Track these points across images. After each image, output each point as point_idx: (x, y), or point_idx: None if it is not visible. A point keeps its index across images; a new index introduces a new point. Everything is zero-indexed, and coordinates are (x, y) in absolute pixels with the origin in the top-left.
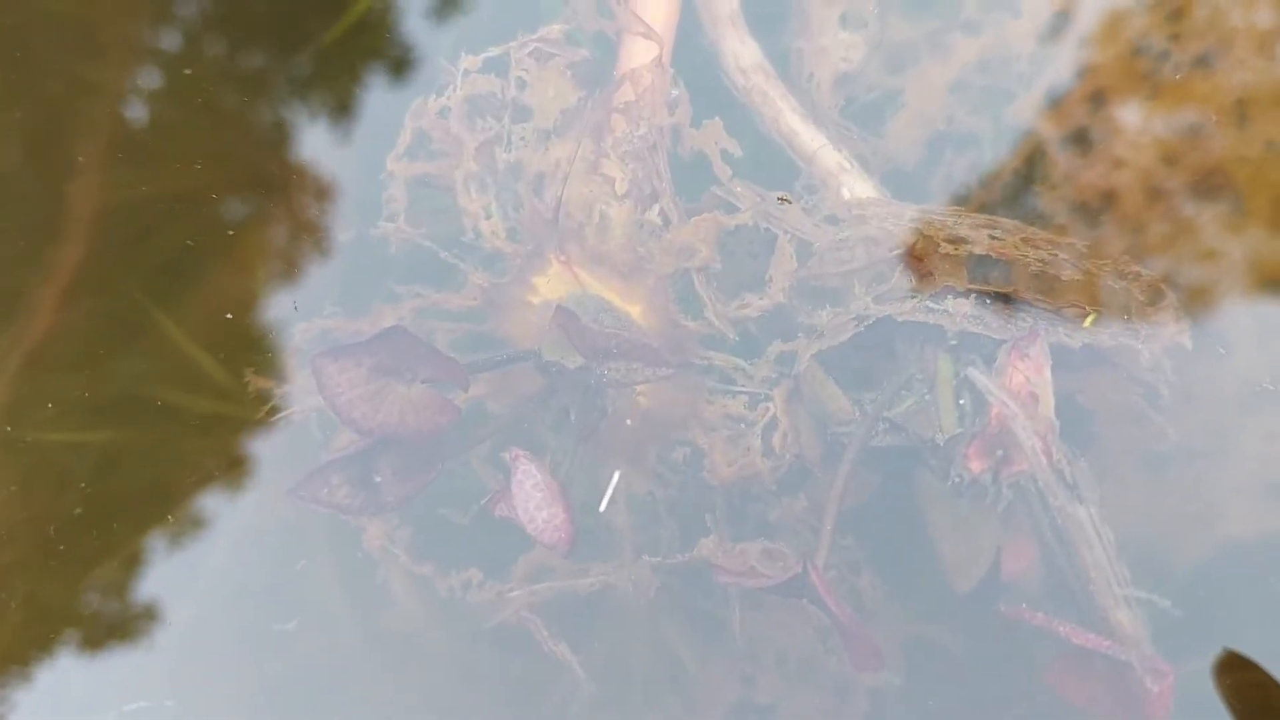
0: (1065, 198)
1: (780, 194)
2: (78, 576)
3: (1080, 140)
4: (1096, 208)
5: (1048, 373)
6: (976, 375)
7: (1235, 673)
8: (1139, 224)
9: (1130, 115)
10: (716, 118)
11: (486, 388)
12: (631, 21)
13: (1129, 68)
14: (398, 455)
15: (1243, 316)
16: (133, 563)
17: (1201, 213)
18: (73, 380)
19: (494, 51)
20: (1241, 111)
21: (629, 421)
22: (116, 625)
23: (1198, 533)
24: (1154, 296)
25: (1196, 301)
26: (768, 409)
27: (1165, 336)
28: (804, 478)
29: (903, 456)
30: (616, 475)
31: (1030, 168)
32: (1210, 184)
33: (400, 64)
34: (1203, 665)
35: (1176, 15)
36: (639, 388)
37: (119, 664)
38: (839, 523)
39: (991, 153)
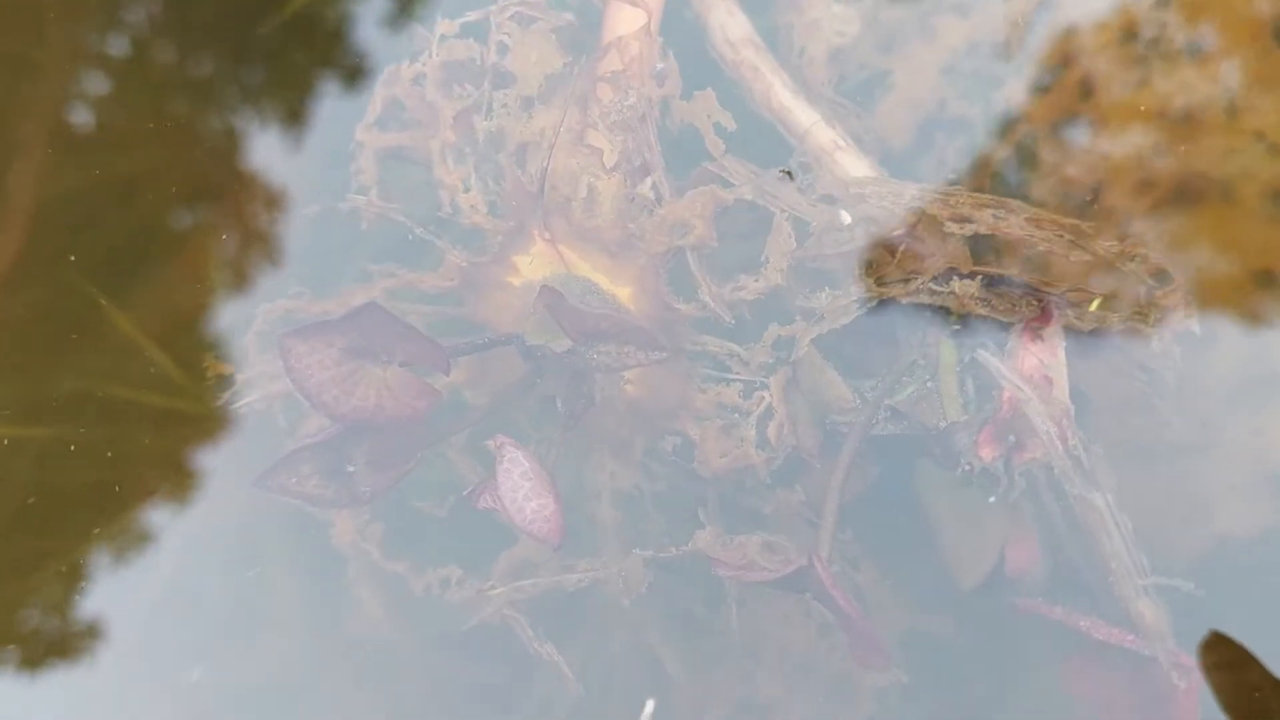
0: (1056, 184)
1: (782, 167)
2: (15, 583)
3: (1070, 127)
4: (1088, 195)
5: (1062, 354)
6: (987, 358)
7: (1232, 672)
8: (1129, 213)
9: (1118, 103)
10: (709, 89)
11: (464, 375)
12: None
13: (1119, 54)
14: (372, 443)
15: (1231, 308)
16: (75, 572)
17: (1189, 203)
18: (12, 375)
19: (473, 16)
20: (1230, 101)
21: (619, 409)
22: (55, 644)
23: (1192, 528)
24: (1162, 280)
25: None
26: (763, 398)
27: (1174, 322)
28: (799, 470)
29: (904, 446)
30: (651, 705)
31: (1021, 154)
32: (1198, 174)
33: (371, 28)
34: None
35: (1165, 2)
36: (626, 376)
37: (57, 686)
38: (839, 515)
39: (983, 138)
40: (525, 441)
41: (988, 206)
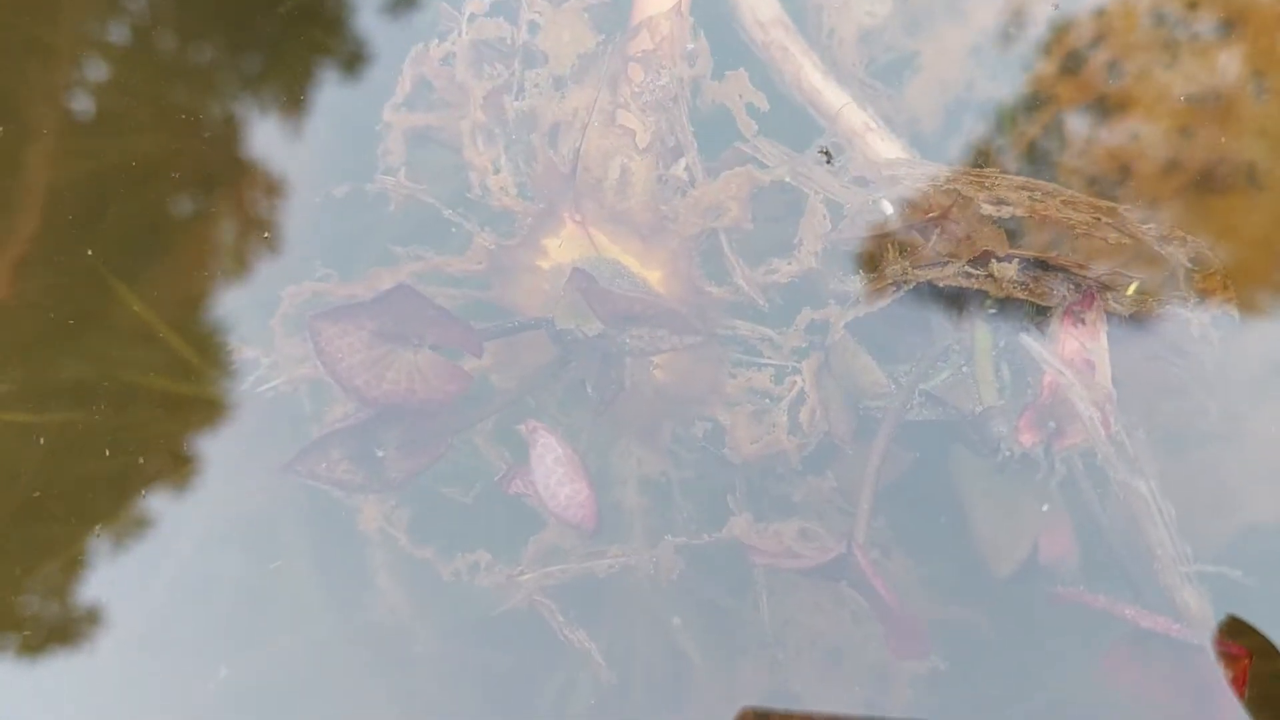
0: (1085, 167)
1: (820, 146)
2: (26, 569)
3: (1099, 108)
4: (1117, 178)
5: (1104, 338)
6: (1029, 342)
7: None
8: (1157, 196)
9: (1147, 84)
10: (741, 69)
11: (492, 359)
12: None
13: (1148, 36)
14: (403, 428)
15: (1260, 293)
16: (79, 561)
17: (1218, 186)
18: (26, 358)
19: None
20: (1260, 81)
21: (647, 394)
22: (58, 631)
23: (1222, 516)
24: (1201, 263)
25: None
26: (795, 382)
27: (1213, 306)
28: (831, 456)
29: (939, 432)
30: None
31: (1049, 136)
32: (1227, 156)
33: (399, 6)
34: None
35: None
36: (655, 361)
37: (55, 674)
38: (872, 502)
39: (1010, 119)
40: (554, 427)
41: (1024, 189)
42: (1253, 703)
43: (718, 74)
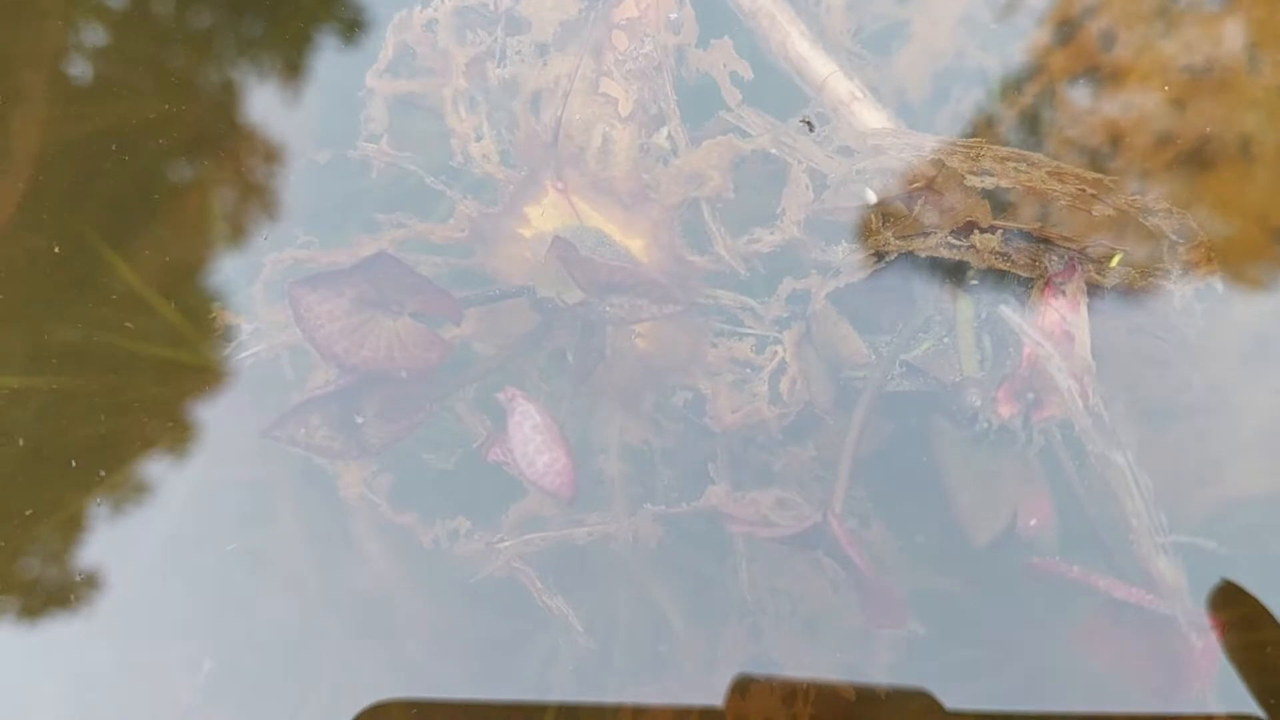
0: (1075, 137)
1: (802, 116)
2: (14, 535)
3: (1091, 78)
4: (1106, 149)
5: (1084, 310)
6: (1008, 313)
7: (1243, 629)
8: (1148, 168)
9: (1141, 54)
10: (726, 37)
11: (474, 327)
12: None
13: (1143, 5)
14: (382, 395)
15: (1248, 266)
16: (74, 524)
17: (1208, 158)
18: (13, 324)
19: None
20: (1252, 55)
21: (629, 363)
22: (54, 593)
23: (1206, 487)
24: (1186, 235)
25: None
26: (776, 352)
27: (1196, 278)
28: (811, 425)
29: (920, 402)
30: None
31: (1040, 106)
32: (1218, 128)
33: None
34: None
35: None
36: (637, 330)
37: (60, 630)
38: (851, 471)
39: (1000, 89)
40: (535, 395)
41: (1010, 160)
42: (1242, 669)
43: (703, 42)
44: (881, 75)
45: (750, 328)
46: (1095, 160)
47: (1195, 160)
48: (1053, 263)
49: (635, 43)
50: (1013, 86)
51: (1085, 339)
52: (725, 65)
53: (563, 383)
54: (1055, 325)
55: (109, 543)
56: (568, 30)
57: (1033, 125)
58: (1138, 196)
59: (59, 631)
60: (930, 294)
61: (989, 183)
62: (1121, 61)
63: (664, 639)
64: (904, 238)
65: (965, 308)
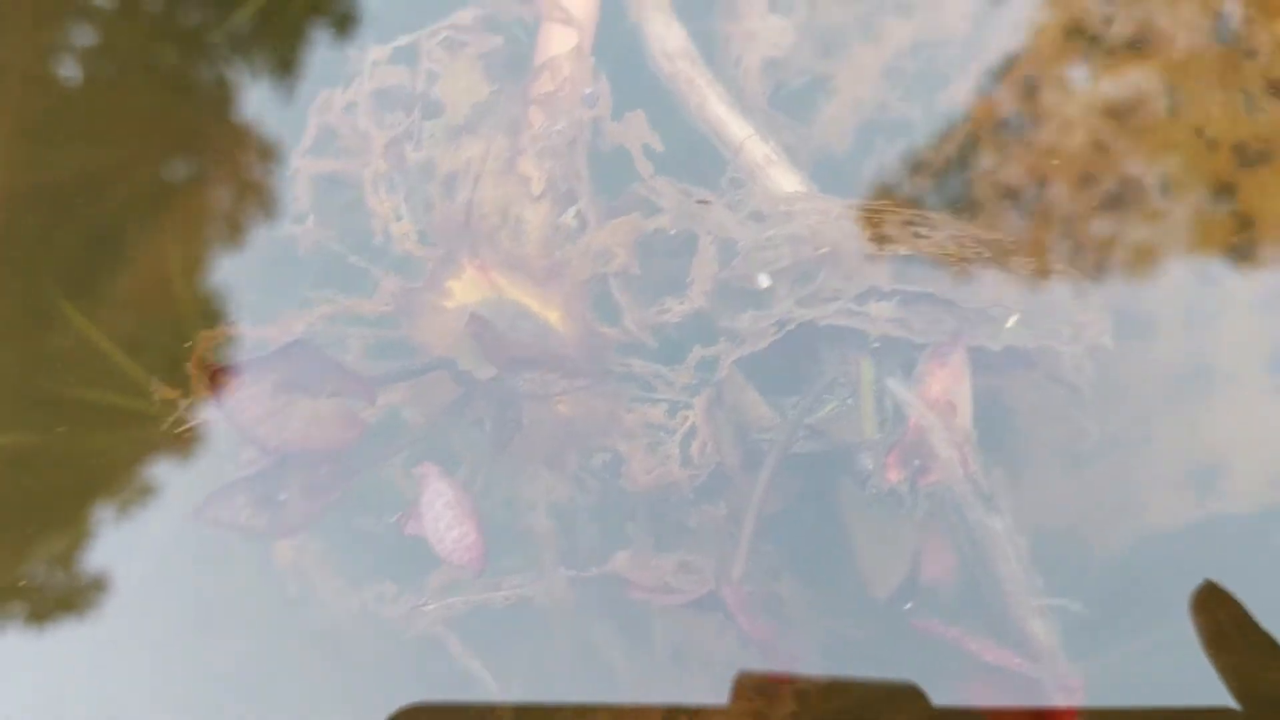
0: (996, 185)
1: (700, 197)
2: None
3: (1014, 126)
4: (1028, 196)
5: (967, 382)
6: (894, 385)
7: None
8: (1070, 213)
9: (1064, 100)
10: (639, 110)
11: (403, 395)
12: (550, 7)
13: (1063, 49)
14: (304, 471)
15: (1168, 303)
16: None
17: (1130, 200)
18: None
19: (404, 40)
20: (1173, 94)
21: (551, 425)
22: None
23: (1119, 524)
24: (1079, 294)
25: (1125, 287)
26: (687, 416)
27: (1088, 337)
28: (724, 485)
29: (824, 462)
30: None
31: (964, 154)
32: (1137, 172)
33: (305, 54)
34: (1113, 660)
35: None
36: (557, 395)
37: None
38: (759, 529)
39: (924, 139)
40: (459, 462)
41: (911, 224)
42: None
43: (622, 112)
44: (800, 136)
45: (663, 394)
46: (1014, 205)
47: (1116, 203)
48: (945, 327)
49: (550, 119)
50: (935, 137)
51: (967, 408)
52: (639, 138)
53: (485, 450)
54: (940, 395)
55: (60, 599)
56: (480, 112)
57: (954, 173)
58: (1033, 258)
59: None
60: (835, 356)
61: (888, 249)
62: (1043, 105)
63: (589, 690)
64: (806, 305)
65: (868, 371)
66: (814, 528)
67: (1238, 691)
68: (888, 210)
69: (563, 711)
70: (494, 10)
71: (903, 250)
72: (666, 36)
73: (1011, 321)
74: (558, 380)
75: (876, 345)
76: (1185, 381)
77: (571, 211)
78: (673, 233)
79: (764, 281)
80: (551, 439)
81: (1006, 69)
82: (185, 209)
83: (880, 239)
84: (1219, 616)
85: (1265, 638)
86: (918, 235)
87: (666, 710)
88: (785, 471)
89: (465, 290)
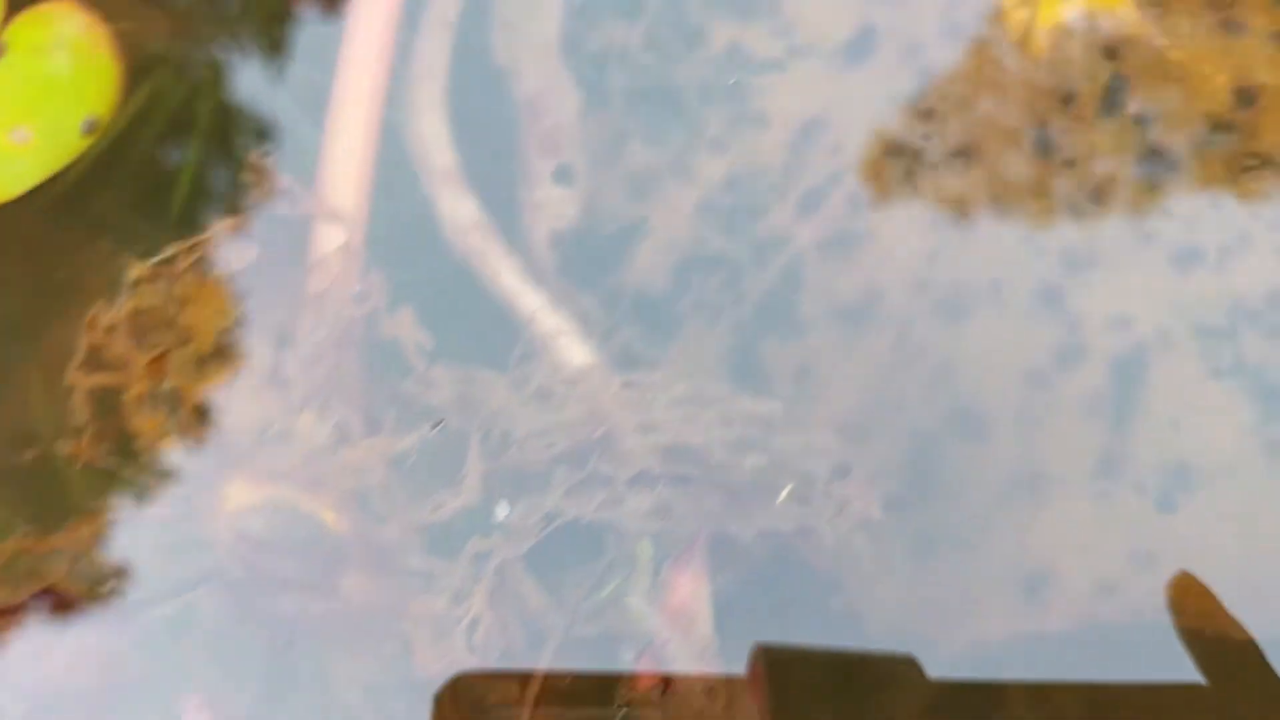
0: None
1: (434, 422)
2: None
3: (839, 247)
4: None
5: (705, 590)
6: (635, 603)
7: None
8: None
9: (886, 220)
10: (407, 307)
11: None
12: (315, 205)
13: (883, 168)
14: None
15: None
16: None
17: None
18: None
19: (171, 251)
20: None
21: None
22: None
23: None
24: (841, 472)
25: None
26: (470, 606)
27: (855, 512)
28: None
29: (603, 644)
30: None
31: (784, 282)
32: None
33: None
34: None
35: (928, 114)
36: (346, 589)
37: None
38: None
39: (743, 271)
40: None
41: (681, 404)
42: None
43: (405, 298)
44: (601, 295)
45: (444, 585)
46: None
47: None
48: (712, 508)
49: (315, 325)
50: (753, 265)
51: (707, 615)
52: (408, 336)
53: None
54: (684, 602)
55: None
56: (223, 337)
57: (772, 305)
58: (795, 435)
59: None
60: (614, 538)
61: (652, 439)
62: (868, 228)
63: None
64: (573, 495)
65: (644, 551)
66: None
67: None
68: (662, 388)
69: None
70: (258, 215)
71: (664, 441)
72: (456, 210)
73: (785, 494)
74: (319, 600)
75: (649, 540)
76: (1019, 487)
77: (332, 423)
78: (435, 433)
79: (501, 512)
80: (347, 627)
81: (829, 192)
82: None
83: (646, 427)
84: None
85: None
86: (684, 419)
87: None
88: (565, 656)
89: (241, 494)
